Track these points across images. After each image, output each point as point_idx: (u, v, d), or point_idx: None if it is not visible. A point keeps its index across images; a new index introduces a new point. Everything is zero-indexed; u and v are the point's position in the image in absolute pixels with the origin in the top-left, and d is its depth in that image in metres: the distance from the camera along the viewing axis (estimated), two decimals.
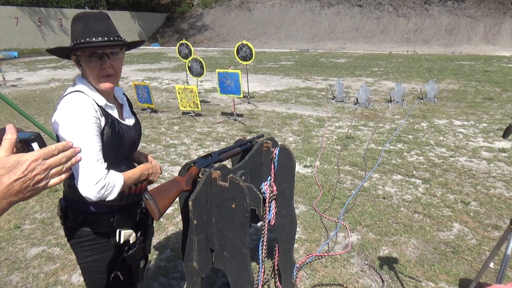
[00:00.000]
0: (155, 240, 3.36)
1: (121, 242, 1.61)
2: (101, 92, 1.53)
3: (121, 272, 1.67)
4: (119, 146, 1.56)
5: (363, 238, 3.35)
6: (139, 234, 1.71)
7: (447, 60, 18.18)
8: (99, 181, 1.36)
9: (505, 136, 2.06)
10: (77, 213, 1.55)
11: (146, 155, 1.86)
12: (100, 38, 1.41)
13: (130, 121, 1.66)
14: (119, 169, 1.53)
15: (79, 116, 1.38)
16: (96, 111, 1.44)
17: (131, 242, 1.65)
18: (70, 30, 1.47)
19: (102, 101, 1.51)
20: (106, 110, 1.52)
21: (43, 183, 0.79)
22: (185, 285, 2.00)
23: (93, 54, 1.44)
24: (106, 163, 1.43)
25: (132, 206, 1.68)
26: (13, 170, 0.74)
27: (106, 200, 1.42)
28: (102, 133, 1.46)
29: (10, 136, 0.77)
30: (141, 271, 1.76)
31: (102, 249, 1.61)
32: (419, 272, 2.87)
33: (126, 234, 1.62)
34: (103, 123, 1.47)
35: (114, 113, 1.57)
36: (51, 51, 1.46)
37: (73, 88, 1.48)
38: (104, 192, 1.39)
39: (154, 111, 8.49)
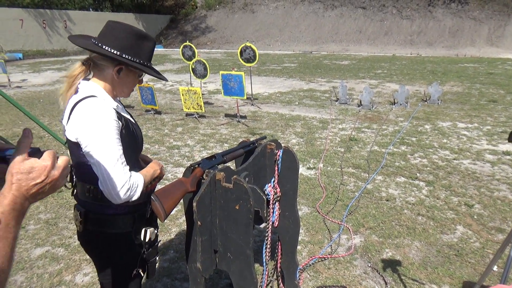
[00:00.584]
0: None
1: (147, 240, 1.64)
2: (112, 96, 1.56)
3: (141, 269, 1.71)
4: (135, 145, 1.60)
5: (366, 240, 3.35)
6: (156, 231, 1.74)
7: (450, 62, 18.14)
8: (125, 184, 1.40)
9: (510, 139, 2.05)
10: (98, 216, 1.57)
11: (145, 157, 1.87)
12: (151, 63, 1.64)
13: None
14: (134, 169, 1.56)
15: (101, 121, 1.40)
16: (115, 114, 1.47)
17: (152, 239, 1.68)
18: (134, 43, 1.51)
19: (114, 103, 1.53)
20: (119, 111, 1.54)
21: (58, 186, 0.83)
22: (189, 286, 2.01)
23: (142, 74, 1.63)
24: (128, 166, 1.46)
25: (145, 205, 1.70)
26: (29, 175, 0.77)
27: (131, 200, 1.46)
28: (120, 135, 1.48)
29: (26, 140, 0.79)
30: (154, 266, 1.81)
31: (124, 248, 1.63)
32: (422, 275, 2.87)
33: (150, 232, 1.65)
34: (120, 126, 1.49)
35: (125, 113, 1.60)
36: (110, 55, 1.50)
37: (83, 93, 1.48)
38: (130, 193, 1.43)
39: (157, 112, 8.52)
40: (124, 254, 1.65)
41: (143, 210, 1.67)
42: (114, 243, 1.61)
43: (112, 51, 1.46)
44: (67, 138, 1.50)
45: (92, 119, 1.39)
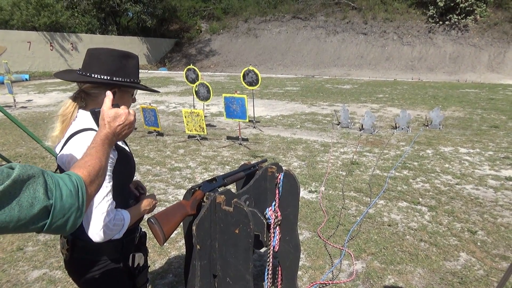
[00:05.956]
0: (157, 265, 3.33)
1: (135, 265, 1.61)
2: None
3: None
4: (129, 173, 1.59)
5: (368, 266, 3.30)
6: (144, 256, 1.72)
7: (452, 87, 18.28)
8: (107, 223, 1.35)
9: None
10: (86, 243, 1.50)
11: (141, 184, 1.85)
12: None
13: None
14: (129, 195, 1.55)
15: None
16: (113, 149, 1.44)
17: (140, 265, 1.65)
18: (120, 64, 1.49)
19: None
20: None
21: (133, 127, 1.32)
22: None
23: (134, 93, 1.63)
24: (114, 203, 1.40)
25: (134, 230, 1.68)
26: (115, 119, 1.25)
27: (113, 239, 1.41)
28: (115, 166, 1.44)
29: (110, 95, 1.31)
30: None
31: (113, 275, 1.59)
32: None
33: (138, 258, 1.62)
34: (115, 156, 1.45)
35: (120, 142, 1.60)
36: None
37: (80, 124, 1.47)
38: (111, 232, 1.38)
39: (160, 134, 8.56)
40: (113, 281, 1.60)
41: (132, 235, 1.65)
42: (102, 270, 1.56)
43: (102, 77, 1.45)
44: (58, 165, 1.48)
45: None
